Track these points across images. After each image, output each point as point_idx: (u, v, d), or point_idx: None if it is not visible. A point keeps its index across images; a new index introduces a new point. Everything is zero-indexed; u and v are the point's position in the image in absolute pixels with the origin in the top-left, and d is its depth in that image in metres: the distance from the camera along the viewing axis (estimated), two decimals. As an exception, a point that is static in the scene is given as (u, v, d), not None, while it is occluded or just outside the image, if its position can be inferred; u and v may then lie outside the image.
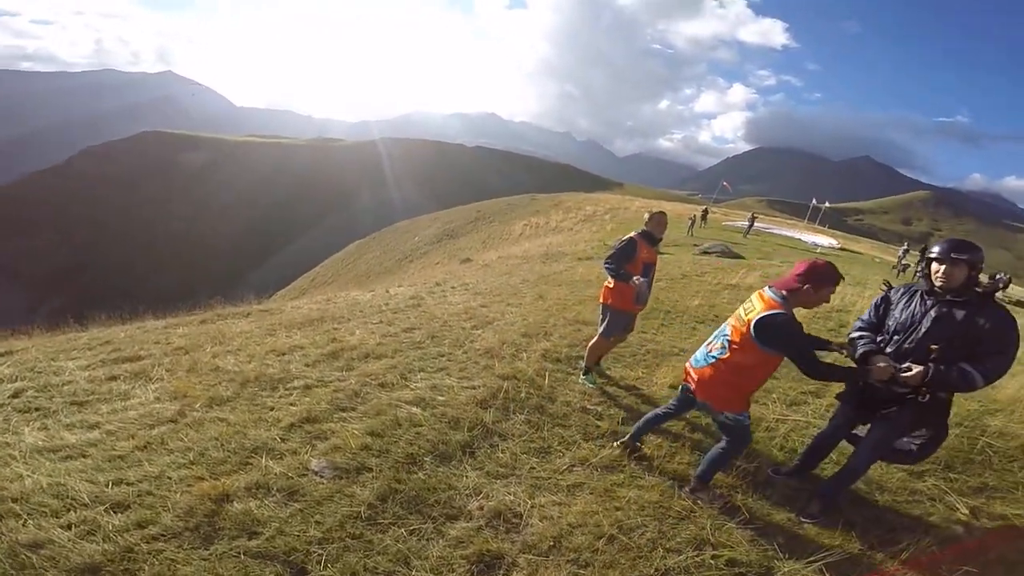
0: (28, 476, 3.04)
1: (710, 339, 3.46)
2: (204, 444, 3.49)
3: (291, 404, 4.08)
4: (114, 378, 4.66)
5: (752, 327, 3.07)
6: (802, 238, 34.53)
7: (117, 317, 7.85)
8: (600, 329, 5.06)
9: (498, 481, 3.38)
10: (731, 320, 3.32)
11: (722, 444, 3.41)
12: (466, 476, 3.38)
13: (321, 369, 4.83)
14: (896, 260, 26.96)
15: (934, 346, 3.00)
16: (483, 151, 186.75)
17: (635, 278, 4.64)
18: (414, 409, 4.07)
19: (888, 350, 3.20)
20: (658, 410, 3.83)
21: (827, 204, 59.14)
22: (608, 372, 5.31)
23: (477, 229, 40.85)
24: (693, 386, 3.39)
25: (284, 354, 5.22)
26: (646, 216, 5.00)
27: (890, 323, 3.29)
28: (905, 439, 3.33)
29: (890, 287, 3.54)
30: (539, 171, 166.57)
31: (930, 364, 2.95)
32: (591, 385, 4.90)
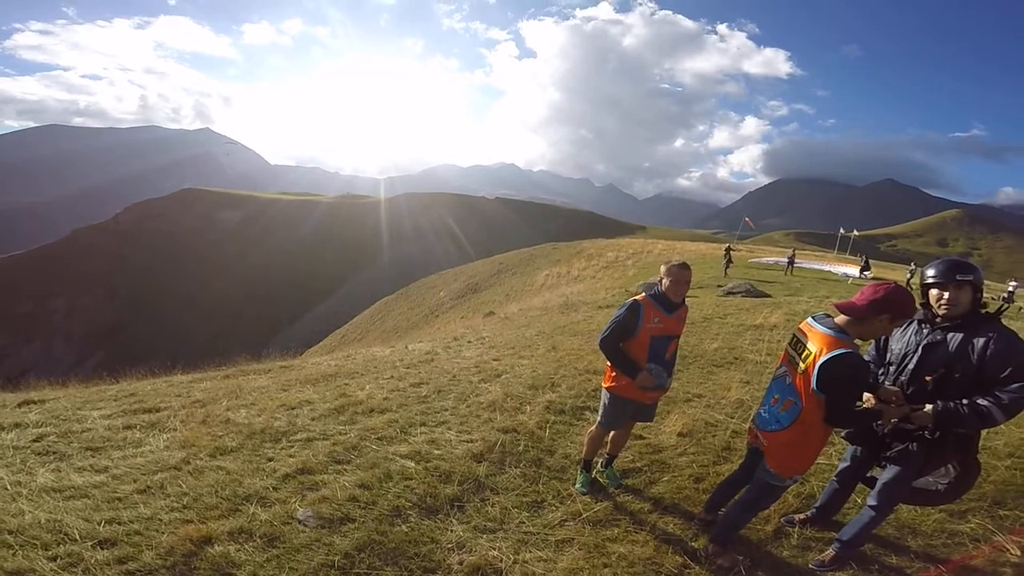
0: (30, 512, 3.20)
1: (772, 392, 3.07)
2: (200, 490, 3.59)
3: (290, 456, 4.17)
4: (131, 427, 4.83)
5: (817, 372, 2.65)
6: (832, 269, 33.01)
7: (150, 371, 8.18)
8: (600, 418, 3.94)
9: (484, 536, 3.35)
10: (787, 368, 2.95)
11: (743, 500, 3.18)
12: (451, 530, 3.37)
13: (325, 423, 4.93)
14: (904, 282, 26.16)
15: (928, 377, 2.78)
16: (504, 202, 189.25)
17: (642, 373, 3.56)
18: (408, 462, 4.10)
19: (886, 384, 3.00)
20: (729, 477, 3.56)
21: (855, 232, 57.69)
22: None
23: (500, 282, 41.17)
24: (762, 449, 3.04)
25: (293, 408, 5.35)
26: (662, 270, 3.65)
27: (888, 356, 3.08)
28: (929, 478, 3.02)
29: None
30: (560, 219, 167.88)
31: (938, 402, 2.71)
32: (581, 487, 3.96)
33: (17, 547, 2.87)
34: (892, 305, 2.65)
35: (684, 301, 3.72)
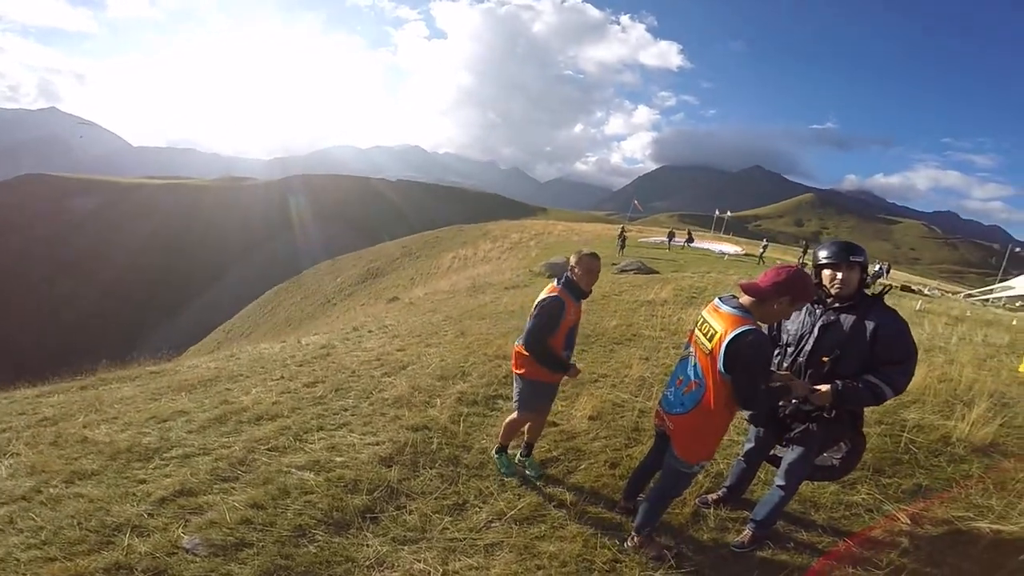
0: None
1: (677, 372, 3.04)
2: (59, 522, 3.09)
3: (165, 476, 3.64)
4: (-38, 455, 4.04)
5: (723, 352, 2.63)
6: (710, 247, 35.98)
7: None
8: (516, 404, 3.86)
9: (405, 547, 3.07)
10: (692, 349, 2.90)
11: (656, 488, 3.16)
12: (367, 545, 3.05)
13: (205, 435, 4.37)
14: (758, 256, 29.76)
15: (825, 358, 2.88)
16: (408, 184, 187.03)
17: (572, 367, 3.71)
18: (306, 474, 3.69)
19: (784, 364, 3.08)
20: (644, 462, 3.50)
21: (729, 213, 63.94)
22: None
23: (404, 266, 40.47)
24: (669, 432, 2.99)
25: (165, 420, 4.73)
26: (572, 260, 3.70)
27: (783, 336, 3.17)
28: (825, 455, 3.21)
29: None
30: (465, 201, 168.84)
31: (838, 382, 2.82)
32: (505, 469, 3.92)
33: None
34: (794, 287, 2.66)
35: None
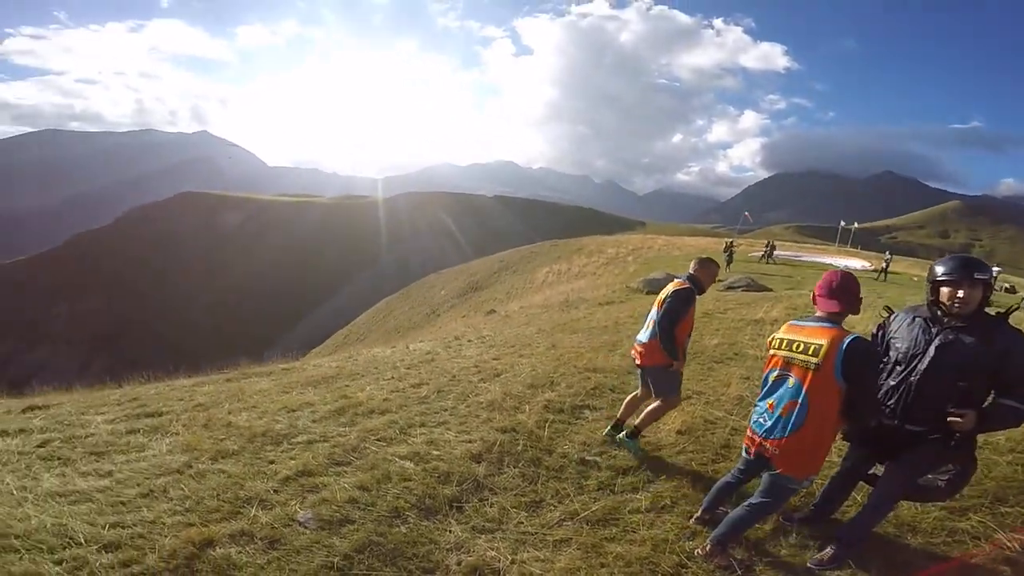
0: (35, 516, 3.24)
1: (767, 397, 3.04)
2: (202, 493, 3.63)
3: (291, 458, 4.20)
4: (134, 431, 4.86)
5: (841, 357, 2.69)
6: (833, 263, 33.42)
7: (153, 375, 8.22)
8: (659, 393, 4.49)
9: (482, 536, 3.38)
10: (789, 370, 2.91)
11: (754, 503, 3.11)
12: (450, 531, 3.40)
13: (326, 425, 4.96)
14: (880, 271, 27.11)
15: (962, 384, 2.73)
16: (504, 199, 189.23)
17: (682, 360, 4.41)
18: (407, 463, 4.13)
19: (891, 383, 2.97)
20: (726, 478, 3.52)
21: (856, 224, 58.01)
22: (613, 419, 5.08)
23: (501, 280, 41.17)
24: (769, 456, 2.96)
25: (294, 410, 5.38)
26: (694, 264, 4.48)
27: (892, 353, 3.04)
28: (930, 475, 3.05)
29: (891, 312, 3.27)
30: (560, 216, 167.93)
31: (982, 409, 2.72)
32: (637, 452, 4.46)
33: (24, 551, 2.91)
34: (850, 298, 2.91)
35: None
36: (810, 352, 2.78)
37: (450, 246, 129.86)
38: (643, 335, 4.53)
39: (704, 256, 4.56)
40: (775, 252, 31.78)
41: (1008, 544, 3.27)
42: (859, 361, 2.69)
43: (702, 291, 4.48)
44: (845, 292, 2.91)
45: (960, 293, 2.76)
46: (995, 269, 25.97)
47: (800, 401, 2.80)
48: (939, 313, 2.90)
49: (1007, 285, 31.63)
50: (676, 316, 4.28)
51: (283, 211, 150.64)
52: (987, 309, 2.86)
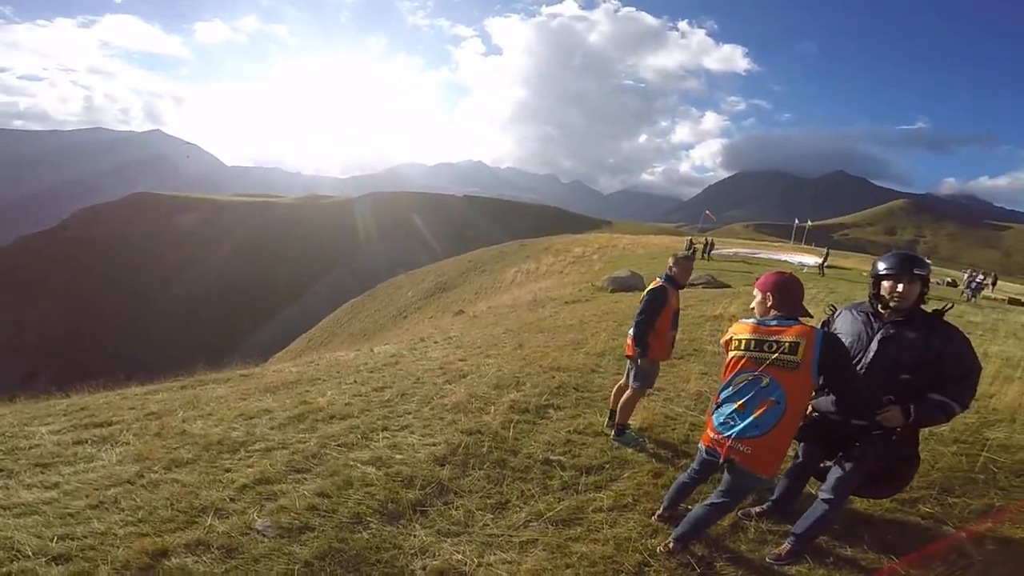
0: (-21, 530, 3.09)
1: (735, 399, 3.01)
2: (155, 503, 3.52)
3: (248, 466, 4.09)
4: (81, 442, 4.68)
5: (818, 351, 2.76)
6: (788, 259, 34.48)
7: (103, 384, 7.88)
8: (633, 382, 4.79)
9: (447, 540, 3.35)
10: (762, 370, 2.90)
11: (715, 501, 3.15)
12: (414, 535, 3.36)
13: (284, 431, 4.84)
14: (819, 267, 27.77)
15: (904, 376, 2.85)
16: (472, 199, 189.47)
17: (650, 351, 4.69)
18: (369, 469, 4.06)
19: None
20: (683, 479, 3.54)
21: (809, 222, 60.69)
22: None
23: (469, 280, 41.15)
24: (738, 456, 2.94)
25: (252, 417, 5.25)
26: (671, 261, 4.86)
27: None
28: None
29: (835, 310, 3.39)
30: (528, 215, 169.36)
31: (911, 405, 2.82)
32: (634, 444, 4.67)
33: (-31, 565, 2.79)
34: (789, 298, 3.04)
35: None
36: (787, 350, 2.83)
37: (418, 247, 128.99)
38: (632, 329, 4.84)
39: (679, 254, 4.92)
40: (713, 250, 33.20)
41: (961, 538, 3.41)
42: (835, 351, 2.81)
43: (681, 286, 4.86)
44: (794, 294, 3.05)
45: (899, 287, 2.89)
46: (980, 277, 26.89)
47: (777, 399, 2.85)
48: (879, 307, 3.03)
49: (949, 279, 33.10)
50: (649, 312, 4.65)
51: (242, 212, 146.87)
52: (923, 305, 3.00)
